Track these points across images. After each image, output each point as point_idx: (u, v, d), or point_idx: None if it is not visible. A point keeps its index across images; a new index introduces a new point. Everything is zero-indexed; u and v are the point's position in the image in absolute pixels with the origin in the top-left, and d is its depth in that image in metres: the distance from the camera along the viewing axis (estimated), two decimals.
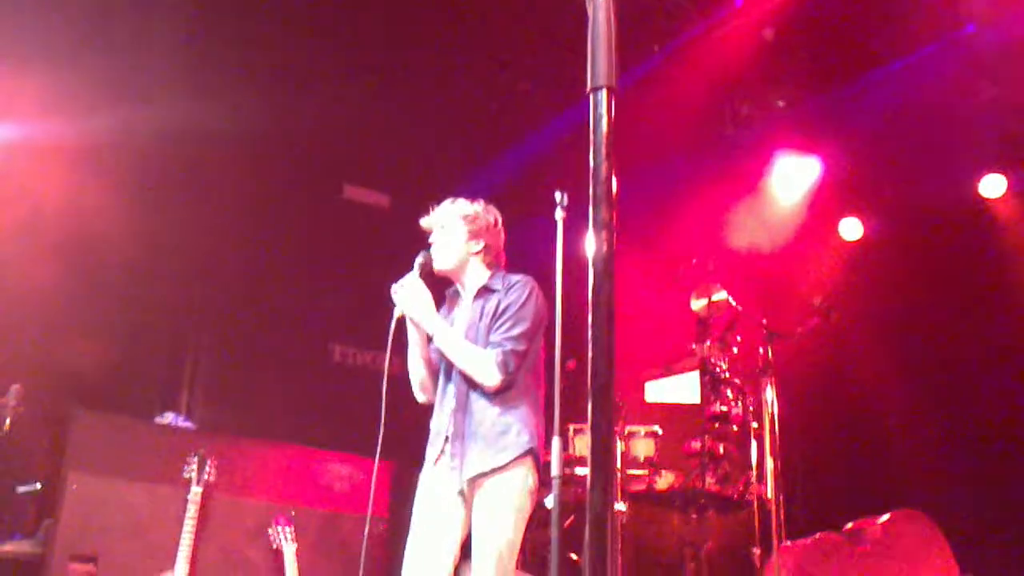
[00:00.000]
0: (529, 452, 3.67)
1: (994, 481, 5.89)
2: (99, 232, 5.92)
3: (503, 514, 3.60)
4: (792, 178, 7.09)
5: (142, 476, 4.84)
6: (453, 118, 6.99)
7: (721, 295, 5.74)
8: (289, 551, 4.84)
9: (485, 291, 3.88)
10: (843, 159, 6.90)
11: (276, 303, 6.79)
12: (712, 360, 5.69)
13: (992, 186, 6.64)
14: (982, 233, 6.62)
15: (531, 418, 3.72)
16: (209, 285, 6.58)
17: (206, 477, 4.75)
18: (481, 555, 3.54)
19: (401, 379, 7.18)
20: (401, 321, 3.85)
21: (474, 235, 3.92)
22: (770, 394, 5.19)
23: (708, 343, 5.76)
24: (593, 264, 1.62)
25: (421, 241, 7.38)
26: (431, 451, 3.85)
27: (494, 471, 3.60)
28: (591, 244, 1.62)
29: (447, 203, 4.02)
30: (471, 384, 3.71)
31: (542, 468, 3.71)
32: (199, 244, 6.46)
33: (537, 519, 4.28)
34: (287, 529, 4.90)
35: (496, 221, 4.00)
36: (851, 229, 7.25)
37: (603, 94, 1.63)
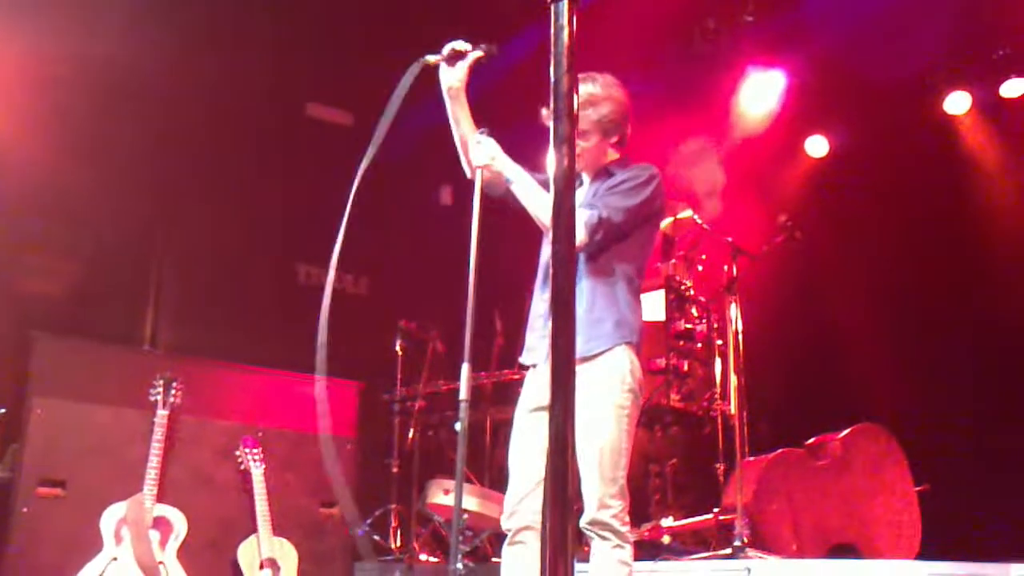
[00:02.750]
0: (628, 344, 3.40)
1: (953, 395, 6.00)
2: (58, 155, 5.80)
3: (600, 410, 3.30)
4: (759, 94, 7.05)
5: (108, 399, 4.81)
6: (419, 35, 6.85)
7: (686, 213, 5.73)
8: (257, 472, 4.86)
9: (604, 172, 3.56)
10: (810, 75, 6.86)
11: (240, 224, 6.71)
12: (677, 278, 5.72)
13: (957, 103, 6.65)
14: (947, 150, 6.65)
15: (631, 313, 3.44)
16: (172, 206, 6.49)
17: (172, 400, 4.74)
18: (582, 456, 3.23)
19: (368, 301, 7.21)
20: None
21: (612, 131, 3.54)
22: (734, 312, 5.22)
23: (673, 261, 5.78)
24: (555, 180, 1.59)
25: (385, 160, 7.27)
26: (528, 343, 3.57)
27: (585, 359, 3.30)
28: (552, 159, 1.59)
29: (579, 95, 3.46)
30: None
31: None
32: (160, 164, 6.35)
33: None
34: (254, 450, 4.92)
35: (621, 105, 3.56)
36: (817, 146, 7.25)
37: (564, 5, 1.59)
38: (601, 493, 3.26)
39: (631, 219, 3.44)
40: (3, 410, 5.09)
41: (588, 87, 3.50)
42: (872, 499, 5.29)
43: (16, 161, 5.68)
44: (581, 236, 3.33)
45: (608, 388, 3.34)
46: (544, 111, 3.13)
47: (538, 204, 3.42)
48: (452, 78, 3.42)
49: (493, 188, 3.53)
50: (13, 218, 5.72)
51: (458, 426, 3.13)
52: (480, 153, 3.33)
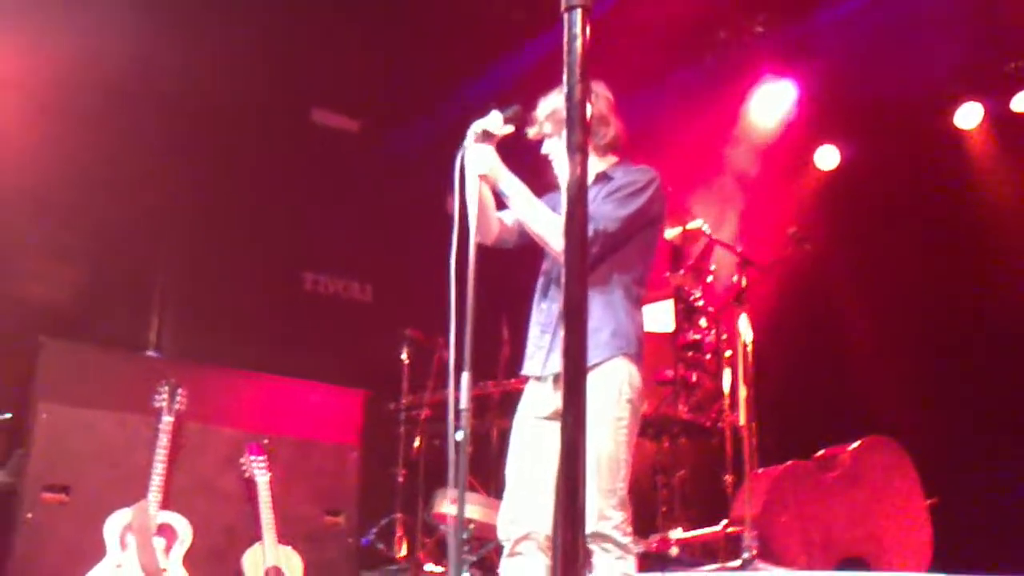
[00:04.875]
0: (626, 355, 3.35)
1: (963, 408, 5.96)
2: (65, 160, 5.80)
3: (596, 420, 3.25)
4: (769, 104, 7.03)
5: (113, 405, 4.79)
6: (424, 40, 6.84)
7: (696, 223, 5.71)
8: (262, 480, 4.83)
9: (602, 177, 3.49)
10: (821, 86, 6.84)
11: (246, 230, 6.70)
12: (686, 288, 5.69)
13: (968, 115, 6.62)
14: (957, 163, 6.62)
15: (629, 323, 3.39)
16: (178, 211, 6.48)
17: (177, 406, 4.71)
18: None
19: (373, 309, 7.19)
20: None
21: (595, 135, 3.48)
22: (743, 323, 5.19)
23: (682, 271, 5.75)
24: (567, 188, 1.58)
25: (391, 167, 7.29)
26: (528, 352, 3.55)
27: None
28: (564, 168, 1.57)
29: (544, 103, 3.51)
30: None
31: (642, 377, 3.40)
32: (166, 170, 6.34)
33: None
34: (260, 458, 4.89)
35: (607, 103, 3.54)
36: (827, 158, 7.22)
37: (577, 14, 1.57)
38: (600, 505, 3.23)
39: (626, 228, 3.39)
40: (9, 415, 5.08)
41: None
42: (882, 512, 5.25)
43: (21, 166, 5.68)
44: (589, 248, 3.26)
45: (605, 400, 3.30)
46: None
47: (538, 219, 3.38)
48: (484, 163, 3.28)
49: (485, 235, 3.49)
50: (20, 223, 5.71)
51: (459, 435, 3.10)
52: (480, 161, 3.27)
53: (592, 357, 3.28)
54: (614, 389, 3.31)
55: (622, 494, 3.28)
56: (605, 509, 3.23)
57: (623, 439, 3.29)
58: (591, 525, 3.21)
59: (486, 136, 3.29)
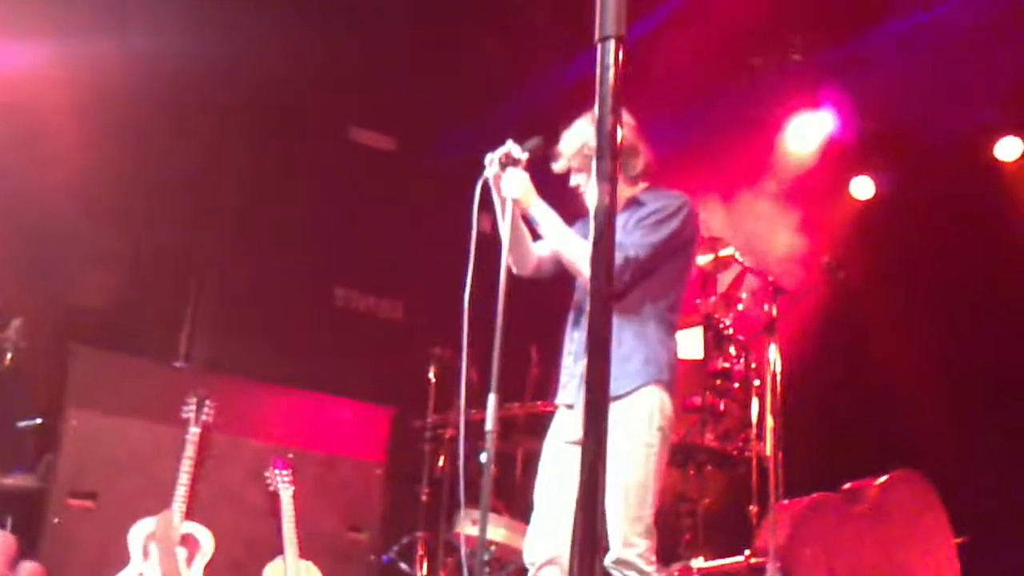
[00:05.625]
0: (657, 383, 3.35)
1: (995, 445, 5.88)
2: (102, 170, 5.87)
3: (626, 446, 3.24)
4: (805, 133, 7.00)
5: (141, 414, 4.83)
6: (461, 60, 6.89)
7: (728, 250, 5.69)
8: (286, 494, 4.85)
9: (632, 203, 3.50)
10: (857, 115, 6.80)
11: (279, 244, 6.75)
12: (716, 316, 5.66)
13: (1008, 149, 6.56)
14: (995, 196, 6.55)
15: (660, 350, 3.39)
16: (212, 224, 6.54)
17: (204, 417, 4.75)
18: (610, 495, 3.13)
19: (402, 326, 7.21)
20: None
21: (623, 163, 3.43)
22: (773, 352, 5.16)
23: (713, 299, 5.72)
24: (595, 215, 1.58)
25: (427, 185, 7.31)
26: (561, 380, 3.57)
27: (614, 399, 3.16)
28: (593, 195, 1.58)
29: (568, 138, 3.51)
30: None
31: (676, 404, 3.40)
32: (202, 183, 6.41)
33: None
34: (284, 472, 4.90)
35: (633, 131, 3.51)
36: (863, 188, 7.17)
37: (611, 44, 1.58)
38: (626, 531, 3.21)
39: (658, 255, 3.39)
40: (39, 420, 5.13)
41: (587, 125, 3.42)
42: (910, 548, 5.17)
43: (57, 175, 5.74)
44: (621, 281, 3.28)
45: (636, 426, 3.29)
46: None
47: (568, 247, 3.40)
48: (517, 187, 3.30)
49: (522, 266, 3.55)
50: (54, 231, 5.78)
51: (483, 457, 3.10)
52: (513, 185, 3.28)
53: (624, 386, 3.31)
54: (645, 416, 3.31)
55: (648, 521, 3.26)
56: (630, 536, 3.21)
57: (653, 465, 3.29)
58: (615, 551, 3.20)
59: (510, 161, 3.31)
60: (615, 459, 3.16)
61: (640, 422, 3.30)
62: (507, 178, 3.28)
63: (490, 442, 3.05)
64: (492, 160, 3.32)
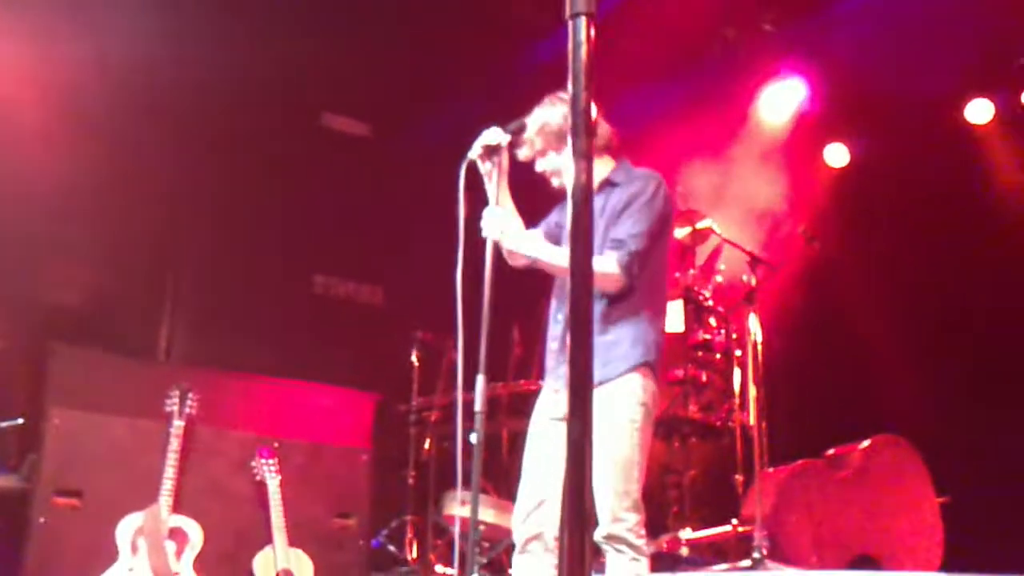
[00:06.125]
0: (644, 365, 3.39)
1: (975, 407, 5.93)
2: (77, 166, 5.82)
3: (610, 424, 3.29)
4: (778, 102, 7.02)
5: (124, 410, 4.80)
6: (435, 42, 6.85)
7: (705, 223, 5.71)
8: (272, 483, 4.84)
9: (606, 185, 3.55)
10: (830, 84, 6.82)
11: (256, 234, 6.72)
12: (696, 288, 5.68)
13: (979, 111, 6.59)
14: (968, 159, 6.59)
15: (649, 330, 3.44)
16: (188, 216, 6.50)
17: (188, 410, 4.73)
18: (597, 471, 3.15)
19: (383, 312, 7.20)
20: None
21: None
22: (753, 322, 5.19)
23: (692, 271, 5.75)
24: (572, 193, 1.58)
25: (401, 170, 7.28)
26: (548, 365, 3.61)
27: (600, 384, 3.28)
28: (569, 174, 1.57)
29: (531, 120, 3.57)
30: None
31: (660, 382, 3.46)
32: (177, 175, 6.36)
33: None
34: (270, 461, 4.90)
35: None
36: (837, 155, 7.20)
37: (582, 21, 1.57)
38: (614, 506, 3.24)
39: (652, 239, 3.45)
40: (21, 420, 5.10)
41: (549, 110, 3.53)
42: (893, 511, 5.23)
43: (35, 172, 5.70)
44: (621, 280, 3.36)
45: (620, 403, 3.34)
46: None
47: (558, 264, 3.42)
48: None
49: (515, 258, 3.59)
50: (30, 230, 5.73)
51: (473, 437, 3.13)
52: (492, 225, 3.37)
53: (612, 371, 3.36)
54: (629, 393, 3.35)
55: (636, 496, 3.30)
56: (619, 511, 3.24)
57: (637, 441, 3.32)
58: (605, 526, 3.23)
59: (489, 151, 3.39)
60: (600, 436, 3.18)
61: (624, 399, 3.34)
62: (484, 221, 3.37)
63: (479, 423, 3.09)
64: (477, 145, 3.41)
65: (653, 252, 3.48)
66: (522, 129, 3.46)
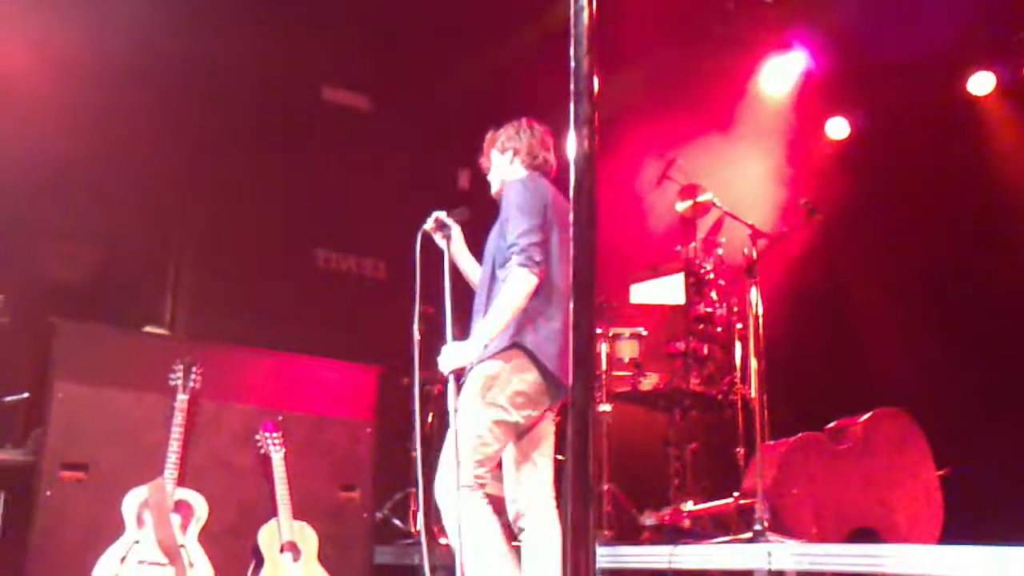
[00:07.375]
0: (512, 347, 3.65)
1: (974, 379, 5.95)
2: (76, 142, 5.81)
3: (465, 403, 3.67)
4: (779, 75, 6.99)
5: (128, 384, 4.81)
6: (434, 15, 6.81)
7: (706, 196, 5.70)
8: (277, 456, 4.87)
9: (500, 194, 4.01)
10: (831, 56, 6.80)
11: (258, 208, 6.72)
12: (697, 261, 5.69)
13: (981, 83, 6.57)
14: (970, 131, 6.58)
15: (523, 314, 3.65)
16: (190, 191, 6.50)
17: (192, 384, 4.75)
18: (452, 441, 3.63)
19: (385, 285, 7.20)
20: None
21: (503, 151, 4.06)
22: (755, 295, 5.19)
23: (693, 244, 5.75)
24: (575, 162, 1.58)
25: (402, 143, 7.27)
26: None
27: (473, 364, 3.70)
28: (572, 141, 1.57)
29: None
30: (490, 288, 3.76)
31: (542, 365, 3.67)
32: (178, 149, 6.35)
33: None
34: (274, 434, 4.92)
35: (519, 126, 4.07)
36: (838, 128, 7.19)
37: None
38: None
39: (539, 229, 3.69)
40: (26, 395, 5.12)
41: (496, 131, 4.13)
42: (893, 483, 5.25)
43: (35, 149, 5.69)
44: (531, 276, 3.62)
45: (477, 385, 3.68)
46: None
47: (510, 307, 3.65)
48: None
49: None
50: (34, 205, 5.73)
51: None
52: (447, 363, 3.75)
53: (492, 347, 3.69)
54: (489, 373, 3.70)
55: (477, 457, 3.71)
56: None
57: (489, 420, 3.69)
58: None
59: (440, 225, 3.99)
60: (459, 415, 3.65)
61: (484, 379, 3.68)
62: (441, 358, 3.77)
63: (450, 394, 3.56)
64: (430, 221, 4.02)
65: (546, 239, 3.72)
66: (465, 216, 4.01)
